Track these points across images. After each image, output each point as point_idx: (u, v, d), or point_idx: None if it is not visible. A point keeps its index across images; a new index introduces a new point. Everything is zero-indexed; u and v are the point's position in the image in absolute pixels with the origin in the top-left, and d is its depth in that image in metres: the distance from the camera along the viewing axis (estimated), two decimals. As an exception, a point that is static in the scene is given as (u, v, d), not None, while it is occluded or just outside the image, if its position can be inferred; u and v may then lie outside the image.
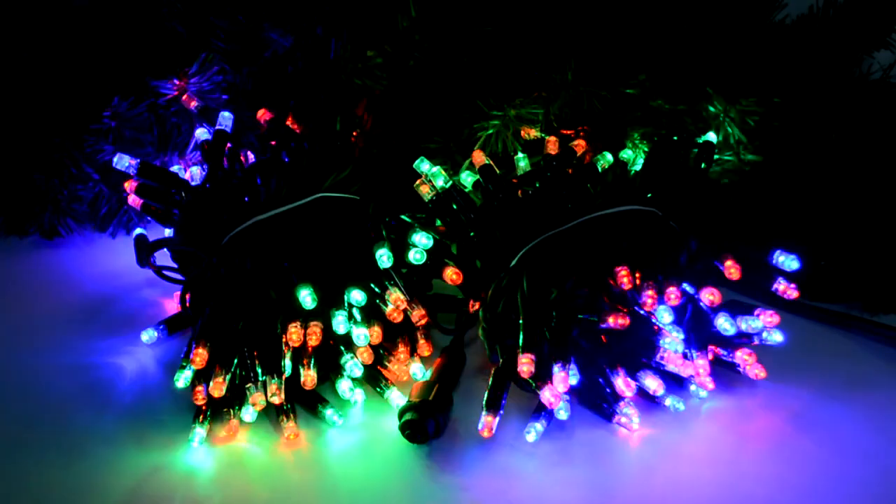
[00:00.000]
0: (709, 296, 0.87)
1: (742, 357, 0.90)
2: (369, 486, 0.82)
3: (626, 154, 1.04)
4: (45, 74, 1.12)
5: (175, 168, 1.07)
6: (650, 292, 0.85)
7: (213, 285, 0.89)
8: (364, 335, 0.88)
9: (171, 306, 1.02)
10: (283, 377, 0.85)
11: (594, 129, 1.09)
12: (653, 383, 0.87)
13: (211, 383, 0.83)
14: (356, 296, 0.87)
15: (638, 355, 0.89)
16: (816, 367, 0.94)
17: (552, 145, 1.00)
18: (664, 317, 0.86)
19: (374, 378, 0.91)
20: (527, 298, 0.86)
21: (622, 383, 0.85)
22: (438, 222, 1.00)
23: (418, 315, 0.90)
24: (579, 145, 1.01)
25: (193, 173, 1.05)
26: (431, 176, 0.96)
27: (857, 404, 0.89)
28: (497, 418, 0.85)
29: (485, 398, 0.85)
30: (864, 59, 1.13)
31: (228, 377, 0.84)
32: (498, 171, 0.98)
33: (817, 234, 1.03)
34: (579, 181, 0.97)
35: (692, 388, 0.90)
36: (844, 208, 1.03)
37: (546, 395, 0.84)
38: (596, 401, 0.88)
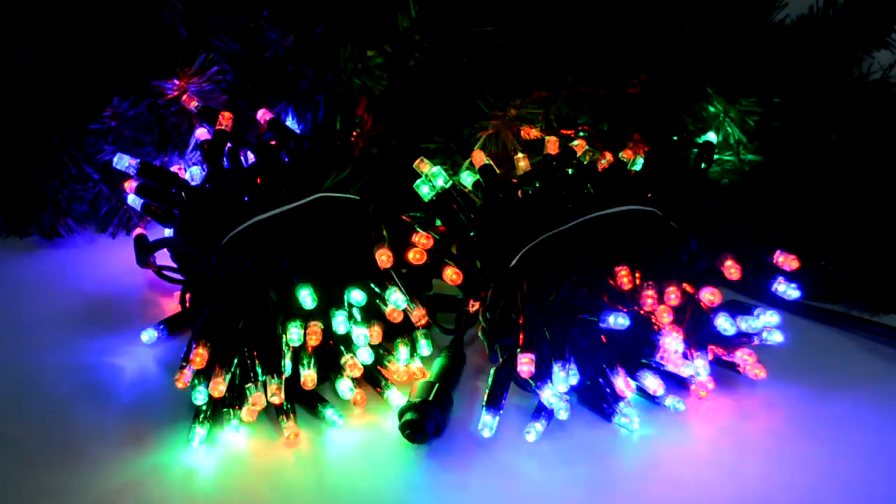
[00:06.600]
0: (709, 296, 0.87)
1: (742, 357, 0.90)
2: (369, 486, 0.82)
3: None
4: (44, 74, 1.12)
5: (175, 168, 1.07)
6: (650, 292, 0.85)
7: (212, 285, 0.88)
8: (364, 335, 0.88)
9: (171, 306, 1.02)
10: (283, 377, 0.85)
11: (594, 129, 1.09)
12: (653, 383, 0.87)
13: (211, 383, 0.83)
14: (356, 296, 0.87)
15: (638, 355, 0.89)
16: (816, 367, 0.94)
17: (552, 145, 1.00)
18: (664, 317, 0.86)
19: (373, 378, 0.91)
20: (526, 298, 0.86)
21: (622, 383, 0.85)
22: (438, 222, 1.00)
23: (418, 315, 0.90)
24: (580, 146, 1.01)
25: (193, 173, 1.05)
26: (431, 176, 0.96)
27: (857, 404, 0.89)
28: (497, 418, 0.85)
29: (485, 398, 0.85)
30: (864, 59, 1.13)
31: (228, 377, 0.84)
32: (498, 171, 0.98)
33: (817, 234, 1.03)
34: (579, 181, 0.97)
35: (692, 388, 0.90)
36: (845, 208, 1.03)
37: (546, 395, 0.84)
38: (596, 401, 0.88)
